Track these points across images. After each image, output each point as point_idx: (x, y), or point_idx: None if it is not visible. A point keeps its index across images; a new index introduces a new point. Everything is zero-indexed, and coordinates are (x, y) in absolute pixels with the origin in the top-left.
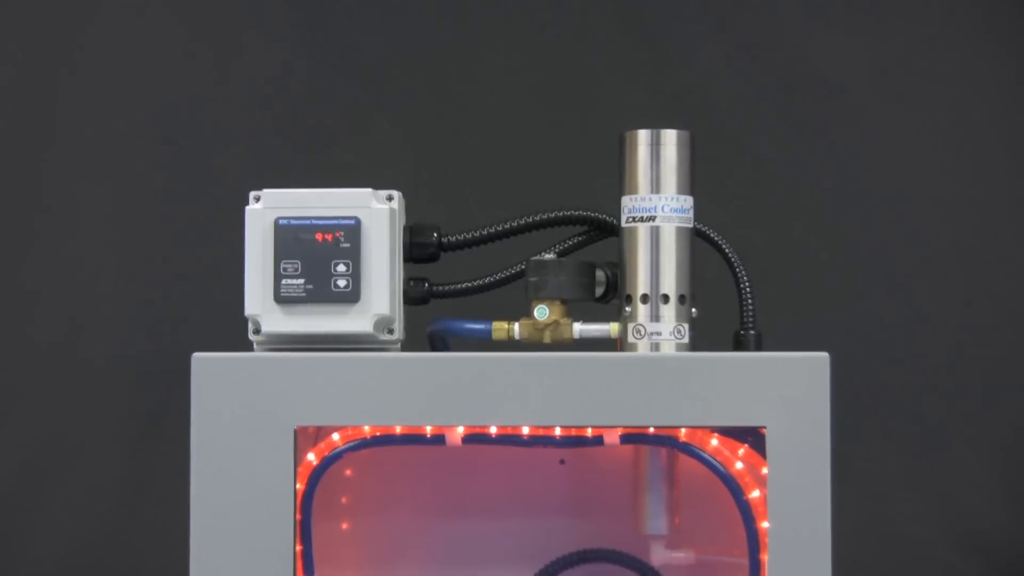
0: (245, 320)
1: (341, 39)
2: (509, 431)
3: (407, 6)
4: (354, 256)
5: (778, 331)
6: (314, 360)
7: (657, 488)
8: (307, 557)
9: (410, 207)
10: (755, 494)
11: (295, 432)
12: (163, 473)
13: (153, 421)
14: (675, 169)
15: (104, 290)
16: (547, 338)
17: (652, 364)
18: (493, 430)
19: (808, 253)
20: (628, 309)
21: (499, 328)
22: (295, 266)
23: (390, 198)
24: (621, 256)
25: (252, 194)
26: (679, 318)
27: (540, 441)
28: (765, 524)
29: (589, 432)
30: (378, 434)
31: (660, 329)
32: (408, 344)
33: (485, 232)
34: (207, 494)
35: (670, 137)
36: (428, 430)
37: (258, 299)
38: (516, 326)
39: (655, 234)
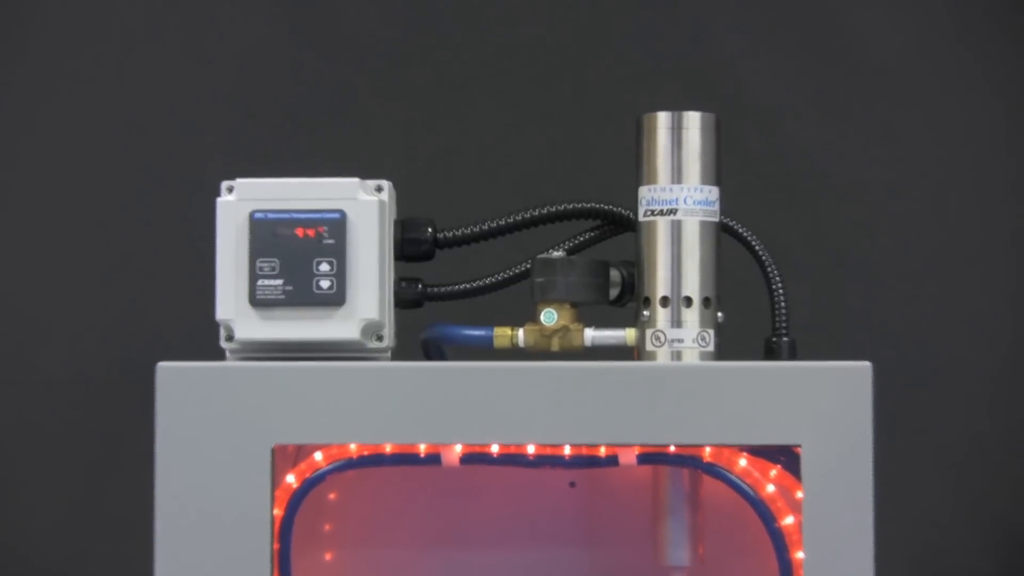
0: (216, 325)
1: (324, 8)
2: (513, 450)
3: None
4: (339, 254)
5: (814, 338)
6: (294, 370)
7: (679, 514)
8: None
9: (402, 199)
10: (789, 521)
11: (272, 451)
12: (124, 497)
13: (113, 438)
14: (699, 156)
15: (59, 292)
16: (555, 346)
17: (673, 375)
18: (495, 449)
19: (848, 250)
20: (646, 313)
21: (501, 335)
22: (272, 265)
23: (379, 189)
24: (638, 254)
25: (224, 184)
26: (703, 323)
27: (548, 461)
28: (800, 554)
29: (602, 451)
30: (366, 453)
31: (682, 335)
32: (399, 352)
33: (486, 227)
34: (173, 520)
35: (693, 120)
36: (422, 449)
37: (231, 302)
38: (520, 332)
39: (676, 229)
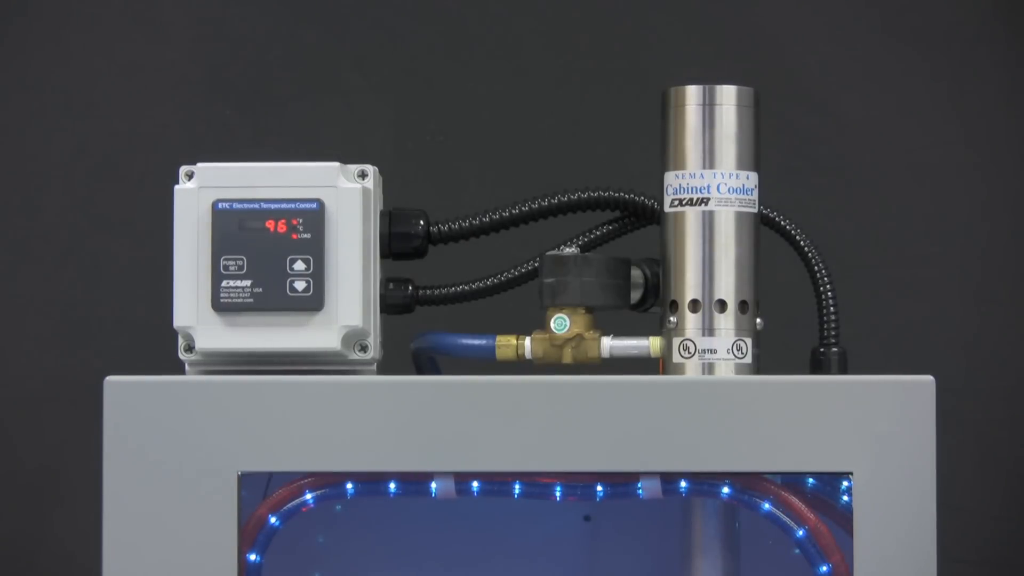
0: (174, 334)
1: None
2: (517, 478)
3: None
4: (316, 251)
5: (868, 349)
6: (263, 386)
7: (712, 554)
8: None
9: (389, 186)
10: (839, 560)
11: (239, 479)
12: (65, 533)
13: (53, 465)
14: (735, 137)
15: None
16: (568, 357)
17: (704, 390)
18: (495, 475)
19: (909, 247)
20: (673, 319)
21: (505, 344)
22: (239, 263)
23: (363, 175)
24: (664, 250)
25: (183, 169)
26: (739, 331)
27: (558, 491)
28: None
29: (622, 480)
30: (348, 483)
31: (715, 345)
32: (386, 365)
33: (487, 219)
34: (122, 561)
35: (728, 95)
36: (412, 475)
37: (191, 307)
38: (527, 342)
39: (708, 221)
